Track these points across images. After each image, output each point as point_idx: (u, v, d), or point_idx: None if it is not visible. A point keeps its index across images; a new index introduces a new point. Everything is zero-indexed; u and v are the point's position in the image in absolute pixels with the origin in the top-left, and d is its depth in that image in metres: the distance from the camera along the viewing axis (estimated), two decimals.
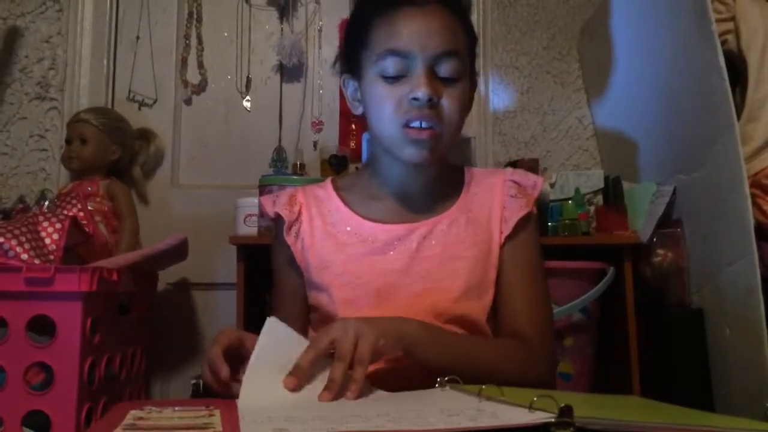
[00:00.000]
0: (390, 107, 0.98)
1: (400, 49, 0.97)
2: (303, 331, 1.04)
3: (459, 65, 0.99)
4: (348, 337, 0.80)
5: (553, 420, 0.55)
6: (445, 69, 0.98)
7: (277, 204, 1.10)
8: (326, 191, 1.12)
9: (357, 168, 1.99)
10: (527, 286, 1.05)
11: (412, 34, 0.97)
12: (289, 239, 1.08)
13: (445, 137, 1.00)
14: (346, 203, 1.09)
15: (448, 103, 0.98)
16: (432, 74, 0.97)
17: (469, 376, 0.81)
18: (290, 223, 1.08)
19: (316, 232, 1.07)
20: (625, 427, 0.55)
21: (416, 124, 0.97)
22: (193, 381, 1.77)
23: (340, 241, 1.05)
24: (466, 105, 1.03)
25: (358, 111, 1.07)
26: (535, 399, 0.60)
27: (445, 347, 0.92)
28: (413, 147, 0.98)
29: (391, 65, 0.97)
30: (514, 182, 1.08)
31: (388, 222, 1.05)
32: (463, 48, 1.01)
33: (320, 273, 1.04)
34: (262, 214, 1.76)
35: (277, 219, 1.11)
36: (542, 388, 0.80)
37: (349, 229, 1.06)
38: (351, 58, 1.06)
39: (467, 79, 1.02)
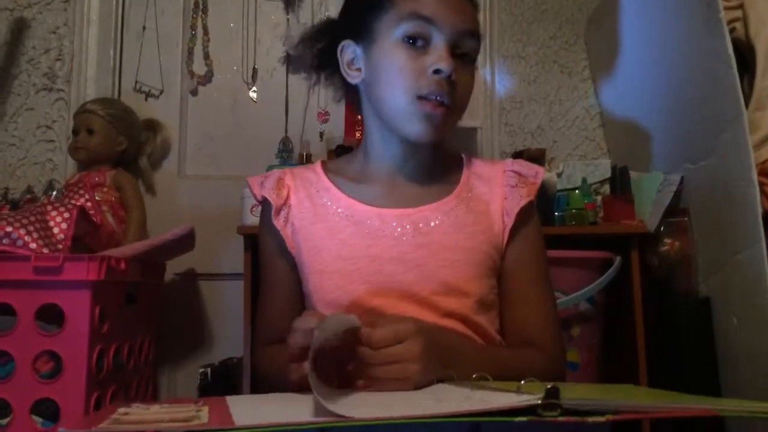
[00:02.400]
0: (408, 77, 0.95)
1: (427, 15, 0.95)
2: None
3: (477, 46, 1.00)
4: (403, 354, 0.78)
5: (539, 402, 0.55)
6: (466, 47, 0.98)
7: (264, 187, 1.07)
8: (315, 173, 1.09)
9: None
10: (536, 288, 1.03)
11: (440, 4, 0.96)
12: (278, 224, 1.04)
13: (454, 116, 0.99)
14: (336, 186, 1.06)
15: (462, 81, 0.97)
16: (454, 49, 0.96)
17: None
18: (278, 208, 1.05)
19: (306, 215, 1.04)
20: (614, 408, 0.55)
21: (433, 96, 0.95)
22: (202, 370, 1.79)
23: (332, 224, 1.02)
24: (472, 89, 1.02)
25: (356, 80, 1.04)
26: (522, 383, 0.60)
27: (479, 363, 0.85)
28: (423, 122, 0.96)
29: (414, 28, 0.95)
30: (515, 172, 1.06)
31: (382, 206, 1.02)
32: (479, 34, 1.01)
33: (312, 257, 1.01)
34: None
35: (264, 203, 1.08)
36: None
37: (340, 211, 1.02)
38: (358, 21, 1.02)
39: (475, 65, 1.02)
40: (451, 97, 0.96)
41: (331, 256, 1.00)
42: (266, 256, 1.10)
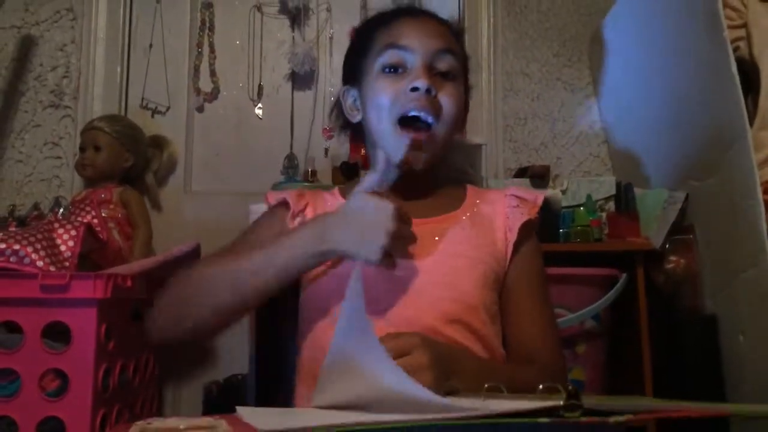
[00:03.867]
0: (388, 99, 1.01)
1: (400, 44, 1.03)
2: None
3: (456, 62, 1.05)
4: (412, 365, 0.77)
5: (561, 403, 0.55)
6: (443, 64, 1.03)
7: (286, 193, 1.10)
8: (332, 194, 1.13)
9: None
10: (536, 305, 1.05)
11: (411, 33, 1.04)
12: (292, 226, 1.06)
13: (441, 135, 1.03)
14: None
15: (445, 98, 1.02)
16: (431, 70, 1.02)
17: None
18: (295, 213, 1.07)
19: None
20: (633, 408, 0.56)
21: (414, 113, 0.99)
22: (206, 387, 1.78)
23: None
24: (462, 105, 1.06)
25: (356, 118, 1.11)
26: (540, 387, 0.61)
27: (482, 377, 0.84)
28: (408, 150, 0.99)
29: (390, 57, 1.03)
30: (516, 197, 1.10)
31: None
32: (458, 51, 1.07)
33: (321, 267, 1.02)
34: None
35: (280, 205, 1.10)
36: None
37: None
38: (352, 69, 1.11)
39: (462, 81, 1.07)
40: (434, 114, 1.00)
41: (338, 261, 1.01)
42: (257, 223, 1.11)
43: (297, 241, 0.93)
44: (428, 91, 0.99)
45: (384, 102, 1.02)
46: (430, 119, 1.00)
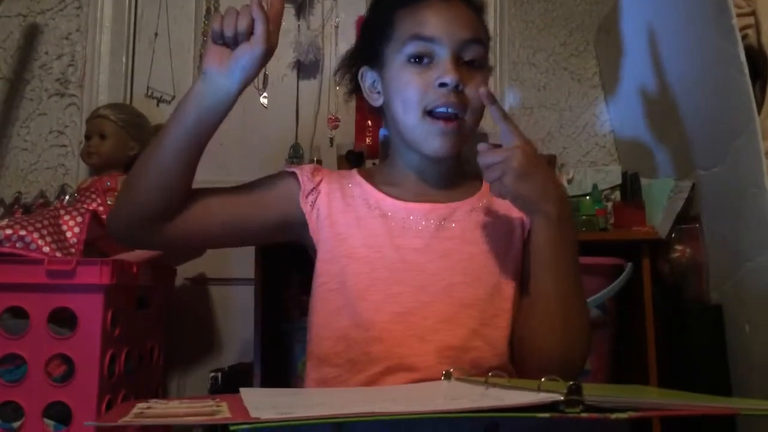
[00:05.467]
0: (415, 92, 1.00)
1: (427, 35, 1.00)
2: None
3: (483, 52, 1.03)
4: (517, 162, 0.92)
5: (561, 398, 0.55)
6: (470, 54, 1.01)
7: (298, 169, 1.08)
8: (350, 173, 1.12)
9: (374, 164, 1.99)
10: None
11: (439, 22, 1.00)
12: (305, 207, 1.05)
13: (469, 125, 1.02)
14: (368, 182, 1.08)
15: (473, 90, 1.00)
16: (457, 61, 1.00)
17: (562, 291, 0.94)
18: (307, 191, 1.05)
19: (335, 203, 1.05)
20: (635, 405, 0.55)
21: (442, 109, 0.99)
22: (212, 375, 1.79)
23: (360, 214, 1.04)
24: None
25: (378, 102, 1.09)
26: (543, 380, 0.61)
27: (568, 250, 0.96)
28: (436, 138, 1.00)
29: (416, 48, 1.00)
30: None
31: (408, 201, 1.05)
32: (484, 38, 1.05)
33: (338, 243, 1.02)
34: None
35: (291, 176, 1.08)
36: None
37: (369, 203, 1.05)
38: (371, 50, 1.08)
39: (487, 68, 1.06)
40: (462, 106, 1.00)
41: (357, 243, 1.02)
42: (268, 177, 1.10)
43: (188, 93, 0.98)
44: (457, 85, 0.98)
45: (411, 96, 1.00)
46: (458, 113, 1.00)
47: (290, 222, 1.06)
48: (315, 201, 1.05)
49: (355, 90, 1.15)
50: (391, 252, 1.00)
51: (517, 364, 0.99)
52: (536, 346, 0.96)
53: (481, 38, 1.03)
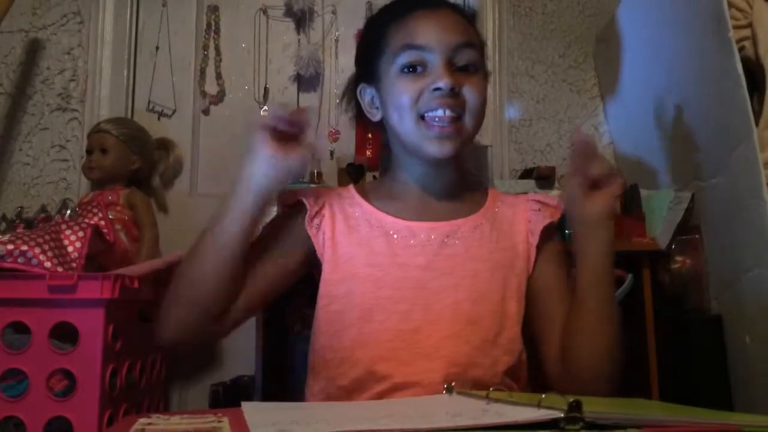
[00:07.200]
0: (408, 99, 1.00)
1: (417, 44, 1.00)
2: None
3: (476, 55, 1.03)
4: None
5: (561, 415, 0.55)
6: (464, 59, 1.01)
7: (302, 193, 1.08)
8: (349, 192, 1.11)
9: (374, 177, 2.00)
10: (565, 307, 1.03)
11: (429, 30, 1.01)
12: (311, 231, 1.04)
13: (468, 126, 1.02)
14: (368, 201, 1.08)
15: (469, 91, 1.01)
16: (451, 66, 1.00)
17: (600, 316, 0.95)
18: (312, 215, 1.04)
19: (338, 226, 1.04)
20: (636, 422, 0.55)
21: (439, 112, 0.99)
22: (213, 388, 1.79)
23: (362, 234, 1.03)
24: (485, 95, 1.05)
25: (377, 117, 1.09)
26: (543, 396, 0.61)
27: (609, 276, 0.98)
28: (435, 141, 1.00)
29: (409, 57, 1.00)
30: (537, 201, 1.10)
31: (410, 219, 1.04)
32: (477, 42, 1.05)
33: (343, 264, 1.02)
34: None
35: (295, 207, 1.07)
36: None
37: (371, 222, 1.04)
38: (367, 67, 1.09)
39: (483, 73, 1.05)
40: (460, 108, 1.00)
41: (360, 263, 1.01)
42: (273, 224, 1.09)
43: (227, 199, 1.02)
44: (452, 89, 0.98)
45: (405, 102, 1.00)
46: (458, 114, 1.00)
47: (308, 253, 1.05)
48: (320, 224, 1.05)
49: (359, 115, 1.15)
50: (394, 270, 1.00)
51: (561, 374, 0.99)
52: (585, 358, 0.95)
53: (472, 42, 1.03)
